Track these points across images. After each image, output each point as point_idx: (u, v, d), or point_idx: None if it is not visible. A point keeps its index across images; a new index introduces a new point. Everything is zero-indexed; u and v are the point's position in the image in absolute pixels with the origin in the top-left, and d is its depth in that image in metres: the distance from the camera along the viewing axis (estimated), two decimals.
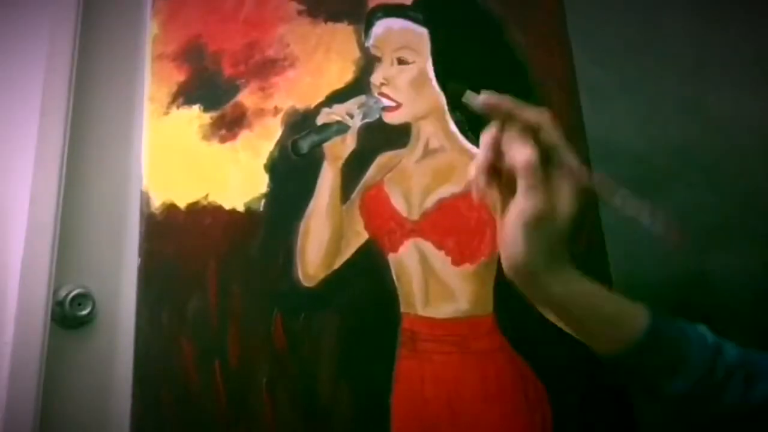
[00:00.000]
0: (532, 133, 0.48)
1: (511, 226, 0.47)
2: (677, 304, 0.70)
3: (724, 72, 0.79)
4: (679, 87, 0.77)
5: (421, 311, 0.59)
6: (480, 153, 0.48)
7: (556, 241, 0.47)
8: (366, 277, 0.59)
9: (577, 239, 0.64)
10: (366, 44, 0.65)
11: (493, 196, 0.49)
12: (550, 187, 0.48)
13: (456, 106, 0.63)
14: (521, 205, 0.46)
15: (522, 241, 0.47)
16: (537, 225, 0.46)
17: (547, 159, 0.47)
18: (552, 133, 0.47)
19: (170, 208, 0.58)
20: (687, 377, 0.48)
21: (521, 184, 0.46)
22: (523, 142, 0.46)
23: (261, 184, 0.60)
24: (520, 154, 0.46)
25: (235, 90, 0.62)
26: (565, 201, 0.47)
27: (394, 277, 0.59)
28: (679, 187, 0.76)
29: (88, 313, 0.55)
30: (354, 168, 0.61)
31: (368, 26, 0.65)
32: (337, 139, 0.62)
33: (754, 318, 0.68)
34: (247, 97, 0.62)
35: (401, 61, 0.64)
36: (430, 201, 0.62)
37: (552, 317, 0.52)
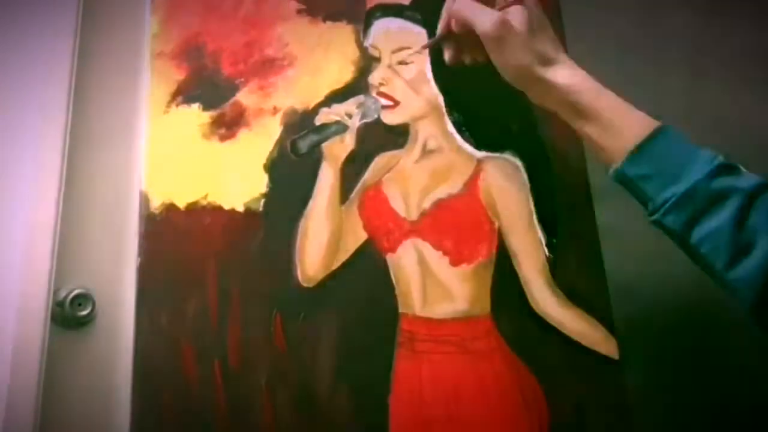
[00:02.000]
0: None
1: (488, 47, 0.55)
2: (677, 305, 0.70)
3: (723, 71, 0.78)
4: (678, 86, 0.77)
5: (420, 311, 0.59)
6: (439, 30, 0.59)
7: (530, 40, 0.54)
8: (365, 277, 0.59)
9: (573, 240, 0.64)
10: (365, 44, 0.65)
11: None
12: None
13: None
14: (481, 29, 0.54)
15: (500, 50, 0.54)
16: (501, 32, 0.54)
17: None
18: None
19: (170, 208, 0.58)
20: (681, 183, 0.48)
21: (468, 18, 0.55)
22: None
23: (260, 184, 0.60)
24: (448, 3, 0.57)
25: (235, 89, 0.62)
26: (516, 11, 0.54)
27: (393, 278, 0.59)
28: None
29: (88, 314, 0.55)
30: (353, 168, 0.61)
31: (367, 26, 0.65)
32: (335, 139, 0.62)
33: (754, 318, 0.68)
34: (246, 97, 0.62)
35: (400, 61, 0.64)
36: (428, 201, 0.62)
37: (570, 122, 0.55)
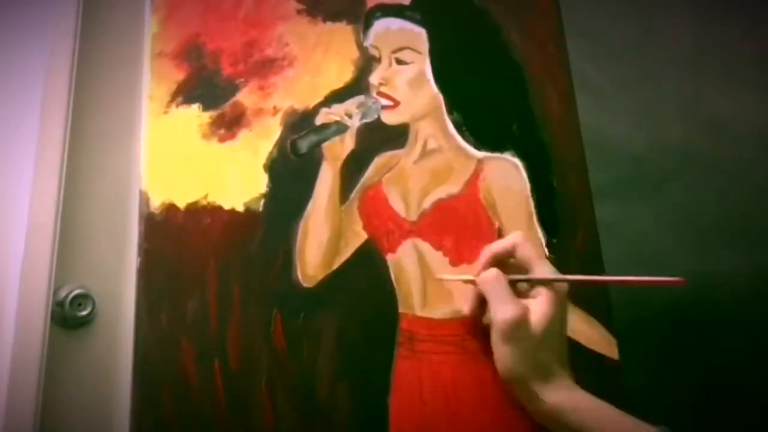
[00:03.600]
0: (506, 256, 0.55)
1: (495, 340, 0.53)
2: (677, 305, 0.71)
3: (723, 71, 0.78)
4: (678, 87, 0.77)
5: (419, 311, 0.59)
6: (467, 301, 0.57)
7: (538, 348, 0.51)
8: (365, 277, 0.59)
9: (573, 240, 0.64)
10: (364, 44, 0.65)
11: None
12: (525, 297, 0.53)
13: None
14: (495, 319, 0.52)
15: (504, 350, 0.52)
16: (513, 333, 0.52)
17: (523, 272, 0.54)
18: (525, 249, 0.55)
19: (170, 208, 0.58)
20: None
21: (490, 301, 0.53)
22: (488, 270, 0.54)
23: (260, 184, 0.60)
24: (485, 276, 0.54)
25: (234, 89, 0.62)
26: (540, 310, 0.52)
27: (393, 278, 0.59)
28: (679, 187, 0.76)
29: (88, 314, 0.55)
30: (353, 168, 0.61)
31: (367, 26, 0.65)
32: (335, 139, 0.62)
33: (753, 318, 0.68)
34: (246, 97, 0.62)
35: (399, 62, 0.64)
36: (428, 202, 0.62)
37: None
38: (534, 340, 0.52)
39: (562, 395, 0.52)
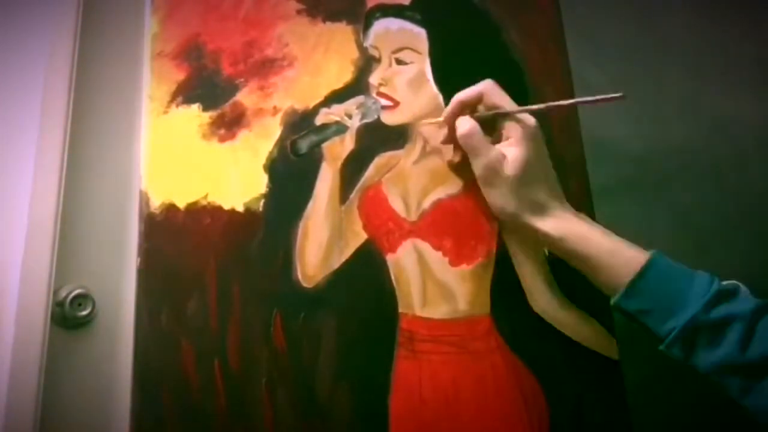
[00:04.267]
0: (475, 105, 0.58)
1: (480, 185, 0.57)
2: None
3: (723, 71, 0.78)
4: (678, 87, 0.77)
5: (419, 311, 0.59)
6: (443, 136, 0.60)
7: (522, 184, 0.55)
8: (365, 277, 0.59)
9: None
10: (364, 44, 0.65)
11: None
12: (499, 138, 0.58)
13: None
14: (473, 168, 0.56)
15: (489, 194, 0.57)
16: (492, 178, 0.56)
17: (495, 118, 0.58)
18: (494, 96, 0.58)
19: (170, 208, 0.58)
20: (680, 317, 0.50)
21: (468, 152, 0.57)
22: (461, 119, 0.57)
23: (260, 184, 0.60)
24: (459, 128, 0.57)
25: (234, 89, 0.62)
26: (512, 151, 0.56)
27: (393, 278, 0.59)
28: (679, 187, 0.76)
29: (88, 314, 0.55)
30: (353, 168, 0.61)
31: (367, 26, 0.65)
32: (335, 140, 0.62)
33: None
34: (246, 97, 0.62)
35: (399, 62, 0.64)
36: (428, 202, 0.62)
37: (557, 253, 0.58)
38: (514, 179, 0.55)
39: (556, 225, 0.55)
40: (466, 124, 0.57)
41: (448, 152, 0.62)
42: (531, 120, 0.57)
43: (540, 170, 0.57)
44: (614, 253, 0.54)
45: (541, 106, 0.58)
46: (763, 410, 0.48)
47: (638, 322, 0.53)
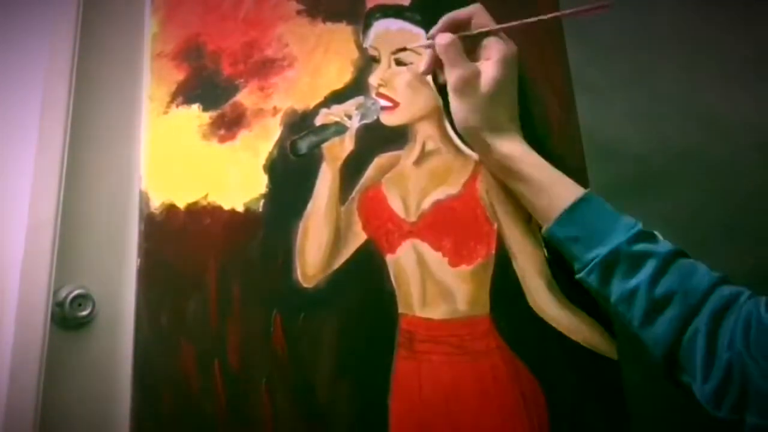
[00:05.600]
0: (463, 25, 0.61)
1: (450, 96, 0.59)
2: None
3: (722, 71, 0.78)
4: (677, 86, 0.77)
5: (419, 312, 0.59)
6: (424, 61, 0.62)
7: (489, 103, 0.58)
8: (364, 278, 0.59)
9: None
10: (364, 45, 0.65)
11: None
12: (478, 58, 0.60)
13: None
14: (449, 78, 0.59)
15: (457, 104, 0.59)
16: (464, 89, 0.58)
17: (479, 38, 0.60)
18: (481, 18, 0.61)
19: (170, 208, 0.58)
20: (604, 246, 0.54)
21: (445, 64, 0.59)
22: (441, 34, 0.60)
23: (260, 184, 0.60)
24: (439, 39, 0.60)
25: (234, 89, 0.62)
26: (489, 70, 0.59)
27: (392, 278, 0.59)
28: (679, 187, 0.76)
29: (88, 314, 0.55)
30: (352, 169, 0.61)
31: (366, 27, 0.65)
32: (335, 140, 0.62)
33: None
34: (246, 97, 0.62)
35: (399, 62, 0.64)
36: (427, 202, 0.62)
37: (505, 181, 0.61)
38: (484, 96, 0.58)
39: (510, 146, 0.59)
40: (446, 37, 0.59)
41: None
42: (511, 45, 0.61)
43: (508, 94, 0.60)
44: (555, 182, 0.58)
45: (524, 21, 0.61)
46: (656, 340, 0.53)
47: (564, 248, 0.57)
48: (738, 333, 0.50)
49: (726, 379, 0.50)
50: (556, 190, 0.58)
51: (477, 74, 0.59)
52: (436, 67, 0.62)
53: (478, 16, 0.61)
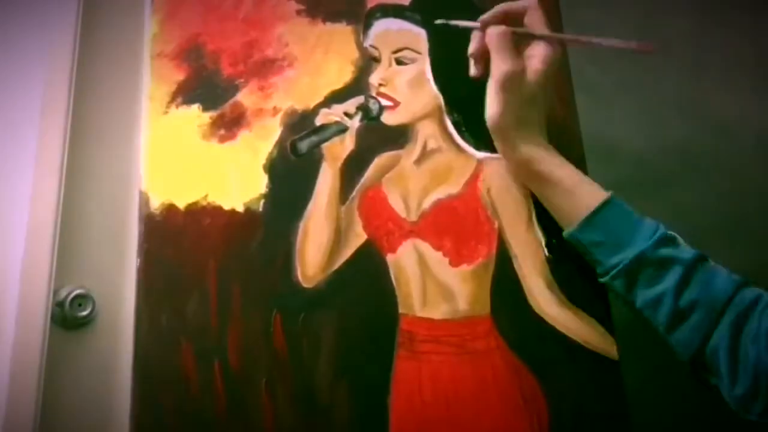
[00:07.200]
0: (516, 17, 0.59)
1: (490, 88, 0.58)
2: None
3: (723, 72, 0.78)
4: (678, 87, 0.77)
5: (419, 312, 0.59)
6: (472, 44, 0.60)
7: (525, 103, 0.57)
8: (365, 277, 0.59)
9: None
10: (364, 44, 0.65)
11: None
12: (522, 56, 0.59)
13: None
14: (494, 70, 0.58)
15: (495, 98, 0.57)
16: (507, 85, 0.57)
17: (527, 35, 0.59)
18: (535, 16, 0.59)
19: (169, 209, 0.58)
20: (629, 251, 0.54)
21: (493, 54, 0.58)
22: (497, 26, 0.58)
23: (260, 184, 0.60)
24: (492, 30, 0.58)
25: (234, 89, 0.62)
26: (534, 68, 0.58)
27: (393, 278, 0.59)
28: (679, 187, 0.76)
29: (89, 314, 0.55)
30: (353, 169, 0.61)
31: (367, 26, 0.65)
32: (335, 140, 0.62)
33: None
34: (246, 97, 0.62)
35: (399, 62, 0.64)
36: (428, 202, 0.62)
37: (526, 182, 0.61)
38: (524, 94, 0.57)
39: (536, 148, 0.58)
40: (500, 29, 0.58)
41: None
42: (557, 48, 0.59)
43: (542, 99, 0.59)
44: (579, 184, 0.57)
45: (573, 37, 0.61)
46: (683, 344, 0.54)
47: (588, 253, 0.57)
48: (762, 338, 0.50)
49: (754, 385, 0.50)
50: (579, 193, 0.57)
51: (522, 73, 0.58)
52: (477, 55, 0.61)
53: (531, 11, 0.60)
